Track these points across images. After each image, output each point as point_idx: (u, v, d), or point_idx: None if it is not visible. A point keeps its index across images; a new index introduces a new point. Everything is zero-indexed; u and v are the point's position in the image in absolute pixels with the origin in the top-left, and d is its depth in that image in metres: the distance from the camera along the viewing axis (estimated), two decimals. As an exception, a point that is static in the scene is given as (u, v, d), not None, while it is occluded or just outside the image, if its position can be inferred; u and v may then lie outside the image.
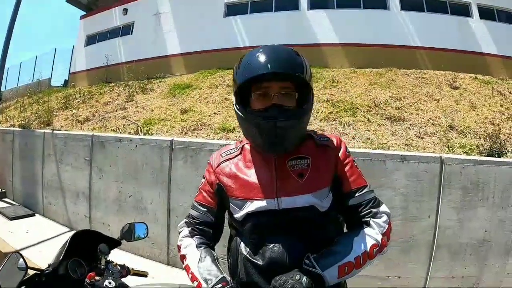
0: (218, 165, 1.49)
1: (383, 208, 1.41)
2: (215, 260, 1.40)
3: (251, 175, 1.40)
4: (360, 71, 8.26)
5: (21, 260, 1.50)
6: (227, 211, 1.50)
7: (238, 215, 1.39)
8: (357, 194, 1.40)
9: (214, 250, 1.50)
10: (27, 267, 1.49)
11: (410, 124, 5.11)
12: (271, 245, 1.33)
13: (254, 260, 1.35)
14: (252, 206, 1.36)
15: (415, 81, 7.34)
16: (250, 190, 1.38)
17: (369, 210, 1.39)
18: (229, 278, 1.35)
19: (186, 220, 1.56)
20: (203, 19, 12.55)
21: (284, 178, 1.36)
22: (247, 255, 1.37)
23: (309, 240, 1.32)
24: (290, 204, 1.32)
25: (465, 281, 3.39)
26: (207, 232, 1.51)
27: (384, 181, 3.42)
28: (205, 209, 1.51)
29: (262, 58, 1.28)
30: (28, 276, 1.49)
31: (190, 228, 1.52)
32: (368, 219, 1.38)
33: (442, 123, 5.11)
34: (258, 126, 1.30)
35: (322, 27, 10.91)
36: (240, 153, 1.49)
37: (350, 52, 10.24)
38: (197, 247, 1.46)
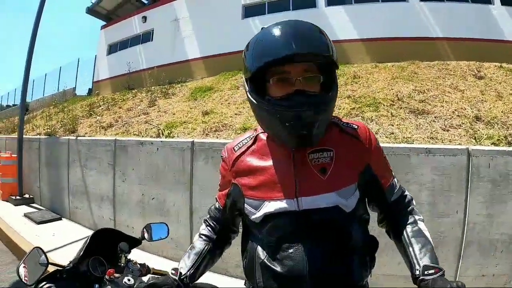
0: (234, 162, 1.34)
1: (407, 192, 1.39)
2: (197, 254, 1.42)
3: (267, 171, 1.25)
4: (382, 65, 8.11)
5: (43, 256, 1.51)
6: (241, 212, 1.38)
7: (254, 216, 1.25)
8: (396, 188, 1.33)
9: (218, 245, 1.49)
10: (48, 263, 1.49)
11: (435, 117, 4.95)
12: (290, 250, 1.19)
13: (272, 266, 1.22)
14: (270, 207, 1.21)
15: (438, 72, 7.13)
16: (267, 189, 1.23)
17: (407, 200, 1.35)
18: (186, 273, 1.37)
19: (208, 209, 1.54)
20: (221, 22, 12.63)
21: (305, 175, 1.20)
22: (265, 260, 1.25)
23: (332, 244, 1.19)
24: (311, 205, 1.17)
25: (496, 280, 3.22)
26: (214, 227, 1.49)
27: (409, 176, 3.30)
28: (217, 206, 1.47)
29: (281, 36, 1.09)
30: (49, 272, 1.49)
31: (207, 216, 1.52)
32: (410, 208, 1.34)
33: (468, 114, 4.94)
34: (281, 117, 1.10)
35: (341, 23, 10.76)
36: (254, 143, 1.33)
37: (371, 47, 10.08)
38: (199, 236, 1.49)
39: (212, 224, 1.49)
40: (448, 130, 4.55)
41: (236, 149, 1.36)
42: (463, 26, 9.71)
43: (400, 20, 10.25)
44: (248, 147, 1.34)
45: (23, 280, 1.46)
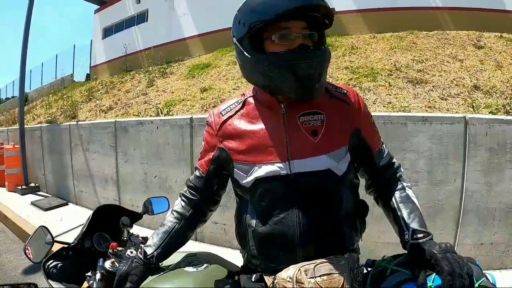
0: (220, 126, 1.30)
1: (395, 159, 1.38)
2: (166, 232, 1.37)
3: (257, 135, 1.22)
4: (380, 36, 7.94)
5: (48, 235, 1.54)
6: (230, 178, 1.35)
7: (245, 181, 1.23)
8: (385, 153, 1.32)
9: (192, 222, 1.42)
10: (54, 241, 1.53)
11: (433, 86, 4.88)
12: (282, 214, 1.18)
13: (263, 231, 1.21)
14: (261, 171, 1.19)
15: (437, 42, 7.00)
16: (257, 153, 1.20)
17: (396, 166, 1.35)
18: (152, 252, 1.33)
19: (186, 180, 1.47)
20: (216, -2, 12.40)
21: (296, 137, 1.18)
22: (255, 227, 1.23)
23: (323, 208, 1.18)
24: (303, 168, 1.16)
25: (494, 248, 3.22)
26: (193, 198, 1.40)
27: (406, 144, 3.27)
28: (198, 174, 1.39)
29: None
30: (55, 251, 1.54)
31: (185, 189, 1.45)
32: (398, 175, 1.33)
33: (467, 84, 4.86)
34: (294, 68, 1.09)
35: None
36: (243, 107, 1.30)
37: (369, 17, 9.80)
38: (171, 212, 1.43)
39: (189, 197, 1.42)
40: (446, 99, 4.50)
41: (223, 113, 1.32)
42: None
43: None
44: (237, 111, 1.30)
45: (30, 258, 1.49)
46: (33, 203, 6.85)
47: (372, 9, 9.87)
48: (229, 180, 1.39)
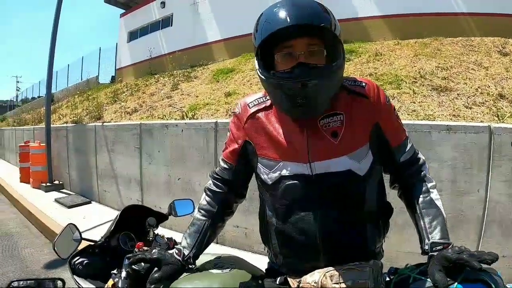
0: (247, 119, 1.31)
1: (421, 154, 1.34)
2: (197, 231, 1.38)
3: (281, 135, 1.23)
4: (404, 42, 7.84)
5: (76, 232, 1.59)
6: (254, 173, 1.36)
7: (267, 176, 1.26)
8: (407, 148, 1.29)
9: (219, 217, 1.42)
10: (82, 238, 1.58)
11: (458, 94, 4.79)
12: (303, 214, 1.20)
13: (285, 229, 1.24)
14: (285, 169, 1.21)
15: (462, 49, 6.85)
16: (282, 151, 1.23)
17: (420, 164, 1.31)
18: (189, 253, 1.33)
19: (211, 172, 1.47)
20: (240, 3, 12.42)
21: (317, 140, 1.19)
22: (277, 224, 1.27)
23: (345, 210, 1.18)
24: (324, 169, 1.17)
25: None
26: (220, 192, 1.41)
27: (430, 153, 3.19)
28: (225, 166, 1.39)
29: (280, 12, 1.10)
30: (82, 247, 1.59)
31: (209, 182, 1.45)
32: (422, 174, 1.29)
33: (492, 92, 4.75)
34: (283, 87, 1.13)
35: (361, 1, 10.44)
36: (271, 106, 1.30)
37: (392, 23, 9.66)
38: (198, 209, 1.42)
39: (214, 191, 1.41)
40: (471, 108, 4.41)
41: (251, 105, 1.33)
42: (488, 0, 9.27)
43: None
44: (266, 107, 1.31)
45: (58, 254, 1.52)
46: (56, 200, 6.99)
47: (396, 14, 9.74)
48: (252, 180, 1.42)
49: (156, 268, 1.28)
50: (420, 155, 1.33)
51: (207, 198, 1.42)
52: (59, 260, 4.30)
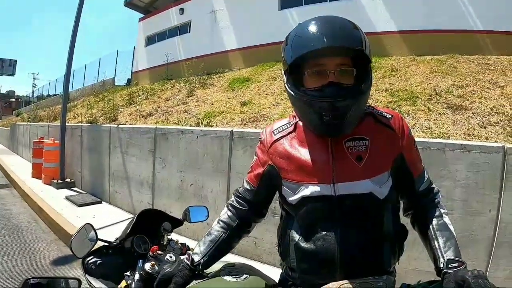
0: (272, 144, 1.38)
1: (434, 184, 1.40)
2: (213, 241, 1.43)
3: (306, 156, 1.29)
4: (420, 59, 7.88)
5: (92, 232, 1.61)
6: (278, 193, 1.42)
7: (292, 198, 1.30)
8: (425, 179, 1.35)
9: (237, 233, 1.48)
10: (97, 239, 1.59)
11: (473, 113, 4.78)
12: (324, 232, 1.24)
13: (305, 247, 1.27)
14: (307, 190, 1.26)
15: (478, 67, 6.84)
16: (305, 173, 1.27)
17: (435, 192, 1.37)
18: (199, 260, 1.38)
19: (235, 191, 1.54)
20: (258, 14, 12.58)
21: (341, 162, 1.24)
22: (298, 241, 1.29)
23: (364, 230, 1.23)
24: (347, 190, 1.22)
25: None
26: (241, 209, 1.48)
27: (444, 172, 3.20)
28: (247, 187, 1.47)
29: (315, 31, 1.14)
30: (96, 247, 1.61)
31: (232, 199, 1.52)
32: (436, 201, 1.35)
33: (507, 112, 4.73)
34: (313, 106, 1.17)
35: (379, 15, 10.34)
36: (294, 130, 1.37)
37: (409, 39, 9.65)
38: (217, 221, 1.49)
39: (237, 207, 1.48)
40: (485, 127, 4.40)
41: (275, 132, 1.40)
42: (504, 18, 9.18)
43: (439, 12, 9.64)
44: (289, 133, 1.37)
45: (74, 253, 1.54)
46: (67, 198, 7.05)
47: (413, 30, 9.71)
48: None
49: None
50: (434, 185, 1.39)
51: (229, 213, 1.49)
52: (67, 257, 4.44)
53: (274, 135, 1.39)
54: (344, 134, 1.24)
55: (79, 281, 1.27)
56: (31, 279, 1.19)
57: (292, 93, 1.22)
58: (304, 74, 1.21)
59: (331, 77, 1.16)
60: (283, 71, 1.29)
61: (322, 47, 1.11)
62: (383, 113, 1.34)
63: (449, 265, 1.14)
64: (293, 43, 1.18)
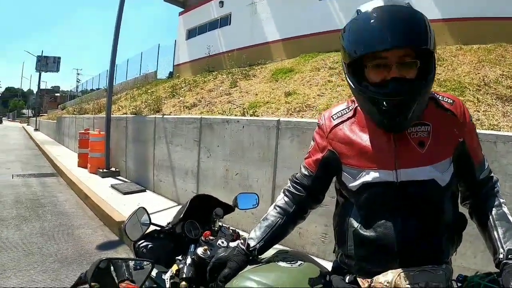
0: (331, 129, 1.35)
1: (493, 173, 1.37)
2: (270, 226, 1.41)
3: (367, 142, 1.26)
4: (467, 47, 7.52)
5: (145, 215, 1.64)
6: (336, 179, 1.40)
7: (352, 184, 1.27)
8: (486, 167, 1.32)
9: (293, 218, 1.46)
10: (150, 223, 1.62)
11: (523, 105, 4.56)
12: (384, 220, 1.21)
13: (364, 234, 1.24)
14: (368, 176, 1.23)
15: (527, 57, 6.53)
16: (366, 159, 1.24)
17: (494, 181, 1.34)
18: (255, 245, 1.37)
19: (291, 176, 1.52)
20: (298, 4, 12.41)
21: (404, 148, 1.20)
22: (358, 228, 1.27)
23: (425, 218, 1.19)
24: (410, 177, 1.18)
25: None
26: (299, 194, 1.45)
27: (494, 164, 2.97)
28: (306, 173, 1.44)
29: (378, 26, 1.08)
30: (149, 231, 1.65)
31: (288, 185, 1.50)
32: (495, 190, 1.31)
33: None
34: (376, 103, 1.13)
35: (422, 2, 9.98)
36: (354, 115, 1.34)
37: (454, 27, 9.07)
38: (274, 207, 1.47)
39: (294, 193, 1.46)
40: None
41: (334, 117, 1.38)
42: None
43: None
44: (348, 118, 1.35)
45: (128, 236, 1.58)
46: (112, 186, 7.26)
47: (458, 18, 9.24)
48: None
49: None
50: (493, 174, 1.36)
51: (286, 198, 1.47)
52: (111, 242, 4.53)
53: (333, 120, 1.37)
54: (404, 130, 1.21)
55: (153, 263, 1.26)
56: (105, 260, 1.17)
57: (353, 86, 1.19)
58: (366, 67, 1.16)
59: (393, 71, 1.10)
60: (342, 61, 1.25)
61: (388, 48, 1.07)
62: (445, 98, 1.29)
63: (509, 256, 1.10)
64: (354, 37, 1.14)
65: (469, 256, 2.93)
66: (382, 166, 1.21)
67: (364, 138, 1.27)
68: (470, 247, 2.80)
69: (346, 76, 1.22)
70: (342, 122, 1.35)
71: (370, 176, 1.22)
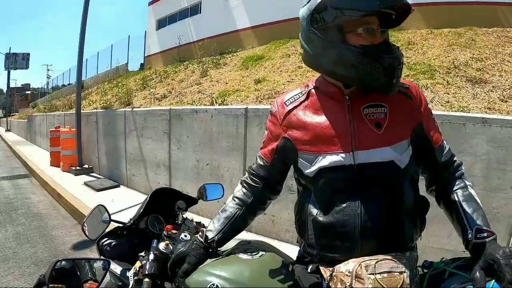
0: (285, 116, 1.32)
1: (456, 157, 1.36)
2: (228, 218, 1.39)
3: (322, 126, 1.22)
4: (437, 31, 7.66)
5: (105, 213, 1.60)
6: (293, 166, 1.36)
7: (308, 170, 1.24)
8: (446, 149, 1.30)
9: (252, 210, 1.43)
10: (110, 220, 1.58)
11: (493, 87, 4.62)
12: (343, 205, 1.18)
13: (324, 220, 1.21)
14: (325, 161, 1.20)
15: (497, 40, 6.63)
16: (322, 143, 1.21)
17: (457, 164, 1.32)
18: (213, 237, 1.36)
19: (248, 168, 1.48)
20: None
21: (360, 128, 1.18)
22: (316, 216, 1.23)
23: (385, 201, 1.16)
24: (367, 159, 1.16)
25: None
26: (255, 186, 1.42)
27: (464, 146, 3.05)
28: (261, 163, 1.40)
29: None
30: (111, 229, 1.62)
31: (246, 175, 1.47)
32: (459, 172, 1.31)
33: None
34: (383, 62, 1.10)
35: None
36: (307, 98, 1.31)
37: (425, 11, 9.17)
38: (232, 198, 1.44)
39: (251, 184, 1.42)
40: (506, 101, 4.23)
41: (287, 103, 1.34)
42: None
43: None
44: (301, 102, 1.31)
45: (86, 235, 1.55)
46: (86, 184, 7.12)
47: (429, 3, 9.35)
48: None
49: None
50: (456, 158, 1.35)
51: (243, 190, 1.44)
52: (86, 242, 4.44)
53: (286, 106, 1.33)
54: (394, 92, 1.18)
55: (109, 262, 1.27)
56: (61, 261, 1.18)
57: (348, 49, 1.13)
58: (354, 31, 1.13)
59: (379, 36, 1.14)
60: (312, 28, 1.18)
61: (396, 4, 1.11)
62: (401, 83, 1.26)
63: (478, 235, 1.10)
64: None
65: (442, 237, 2.98)
66: (338, 149, 1.19)
67: (318, 121, 1.24)
68: (443, 228, 2.83)
69: (327, 39, 1.16)
70: (296, 107, 1.31)
71: (327, 160, 1.20)
